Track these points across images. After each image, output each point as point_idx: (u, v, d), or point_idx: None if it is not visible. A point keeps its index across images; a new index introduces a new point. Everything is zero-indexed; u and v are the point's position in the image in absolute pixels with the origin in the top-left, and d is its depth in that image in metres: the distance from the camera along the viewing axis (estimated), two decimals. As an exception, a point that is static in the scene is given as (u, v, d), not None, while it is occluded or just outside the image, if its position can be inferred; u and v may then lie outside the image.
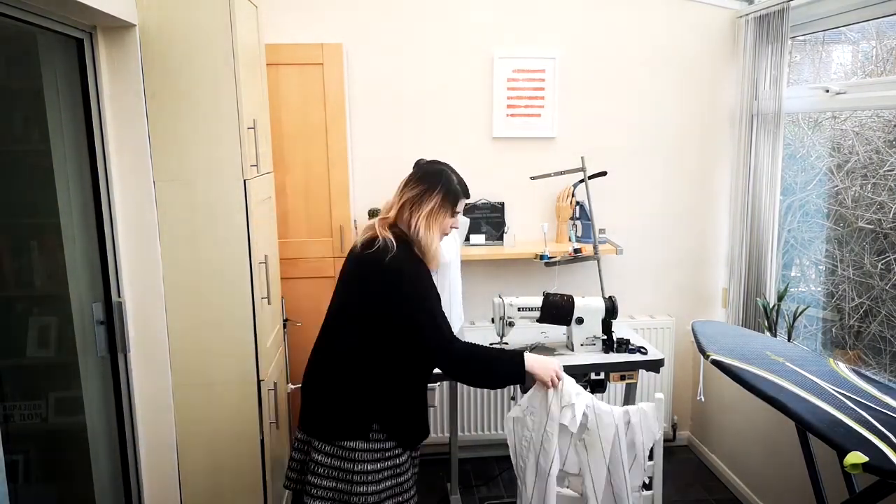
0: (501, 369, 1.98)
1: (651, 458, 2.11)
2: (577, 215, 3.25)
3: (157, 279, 2.25)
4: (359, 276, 1.96)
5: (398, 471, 1.98)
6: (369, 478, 1.90)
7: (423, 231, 1.94)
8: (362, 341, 1.93)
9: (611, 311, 2.64)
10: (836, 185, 2.77)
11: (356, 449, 1.90)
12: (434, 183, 2.00)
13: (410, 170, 2.63)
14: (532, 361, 1.97)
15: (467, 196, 2.09)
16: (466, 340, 2.02)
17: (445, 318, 1.95)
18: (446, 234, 2.07)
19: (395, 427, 1.95)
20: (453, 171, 2.08)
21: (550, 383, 1.97)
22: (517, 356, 1.98)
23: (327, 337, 2.02)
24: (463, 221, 2.73)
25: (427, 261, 1.97)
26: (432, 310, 1.92)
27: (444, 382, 3.03)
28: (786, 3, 2.76)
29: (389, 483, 1.95)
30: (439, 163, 2.09)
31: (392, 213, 1.99)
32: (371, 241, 1.93)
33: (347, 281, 2.01)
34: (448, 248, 2.55)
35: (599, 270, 2.97)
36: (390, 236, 1.91)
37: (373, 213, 3.11)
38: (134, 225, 2.21)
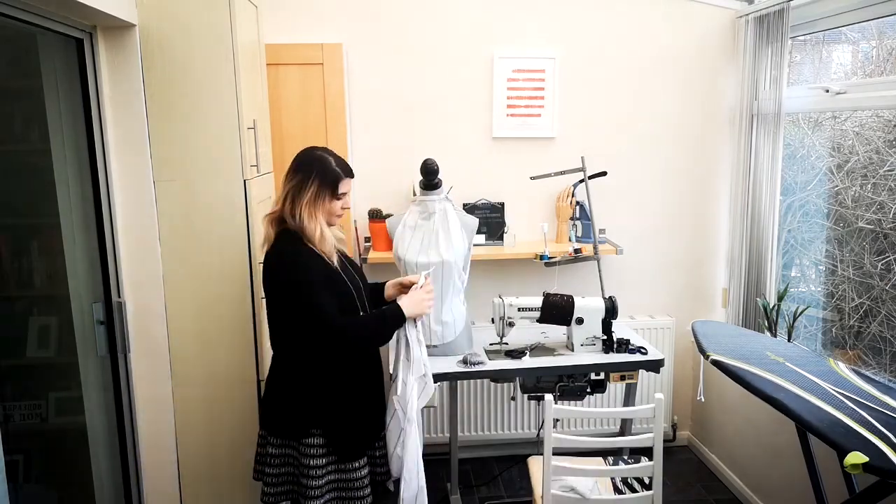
0: (384, 323, 2.05)
1: (651, 458, 2.11)
2: (577, 215, 3.25)
3: (157, 279, 2.25)
4: (264, 276, 2.03)
5: (345, 467, 2.03)
6: (314, 472, 1.97)
7: (307, 220, 1.95)
8: (277, 339, 2.05)
9: (611, 311, 2.64)
10: (836, 185, 2.77)
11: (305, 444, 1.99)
12: (309, 170, 1.98)
13: (410, 169, 2.65)
14: (405, 305, 2.07)
15: (349, 175, 2.06)
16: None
17: (331, 303, 1.95)
18: (339, 217, 2.07)
19: (331, 436, 1.99)
20: (331, 153, 2.05)
21: (426, 311, 2.13)
22: (392, 307, 2.07)
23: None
24: (472, 221, 2.71)
25: (320, 248, 1.97)
26: (310, 294, 1.92)
27: (444, 383, 3.03)
28: (786, 3, 2.76)
29: (333, 477, 2.02)
30: (317, 148, 2.07)
31: (278, 207, 2.00)
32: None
33: None
34: (446, 248, 2.55)
35: (599, 270, 2.97)
36: (271, 231, 1.99)
37: (373, 213, 3.11)
38: (134, 225, 2.21)
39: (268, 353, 2.47)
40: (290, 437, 2.00)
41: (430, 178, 2.60)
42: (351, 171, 2.07)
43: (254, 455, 2.13)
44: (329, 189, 1.99)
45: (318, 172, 1.98)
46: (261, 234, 2.40)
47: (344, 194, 2.04)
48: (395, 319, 2.05)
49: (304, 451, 1.97)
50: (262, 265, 2.01)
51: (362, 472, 2.03)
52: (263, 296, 2.07)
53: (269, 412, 2.07)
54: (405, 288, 2.20)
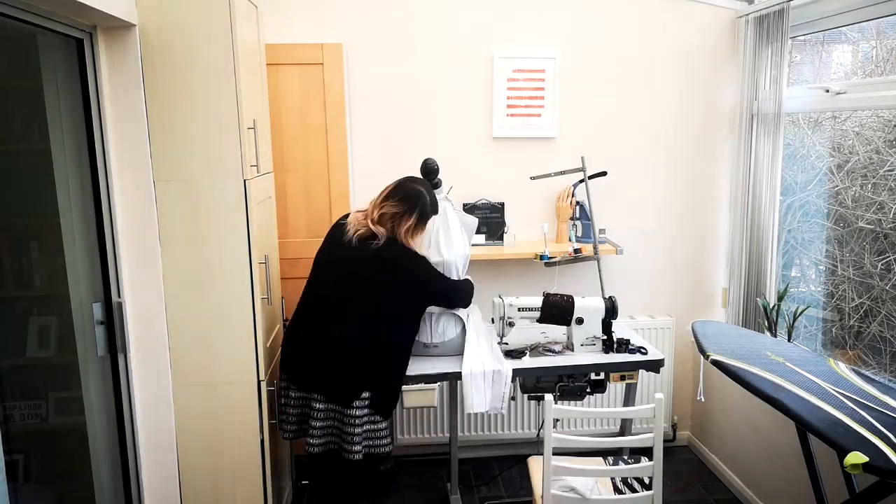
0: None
1: (651, 458, 2.11)
2: (577, 215, 3.25)
3: (157, 279, 2.25)
4: (388, 268, 2.39)
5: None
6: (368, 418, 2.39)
7: (408, 242, 2.41)
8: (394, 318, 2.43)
9: (611, 311, 2.64)
10: (836, 185, 2.77)
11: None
12: (413, 205, 2.41)
13: (410, 169, 2.64)
14: None
15: (436, 213, 2.51)
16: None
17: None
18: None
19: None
20: (429, 190, 2.49)
21: None
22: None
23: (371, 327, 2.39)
24: (471, 221, 2.72)
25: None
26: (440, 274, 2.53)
27: (444, 382, 3.03)
28: (786, 3, 2.76)
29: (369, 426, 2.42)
30: (417, 182, 2.48)
31: (375, 215, 2.42)
32: (372, 236, 2.39)
33: (370, 274, 2.39)
34: (448, 248, 2.55)
35: (599, 270, 2.97)
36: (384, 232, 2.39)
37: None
38: (134, 225, 2.21)
39: (268, 352, 2.47)
40: (344, 400, 2.33)
41: (430, 177, 2.62)
42: (437, 208, 2.55)
43: (254, 455, 2.13)
44: (423, 224, 2.47)
45: (420, 208, 2.44)
46: (261, 233, 2.41)
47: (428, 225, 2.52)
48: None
49: (353, 406, 2.31)
50: (376, 253, 2.35)
51: (385, 425, 2.42)
52: (377, 284, 2.37)
53: (331, 380, 2.33)
54: None
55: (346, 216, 2.53)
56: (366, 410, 2.33)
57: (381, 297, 2.38)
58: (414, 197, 2.41)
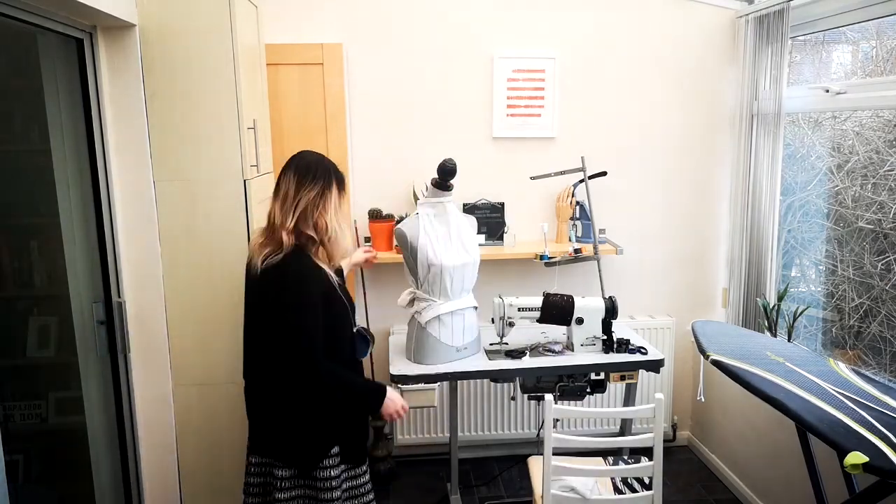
0: (361, 398, 2.01)
1: (651, 458, 2.11)
2: (577, 215, 3.25)
3: (157, 279, 2.25)
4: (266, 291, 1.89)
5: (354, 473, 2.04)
6: (333, 483, 1.94)
7: (338, 229, 1.91)
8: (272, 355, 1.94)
9: (611, 311, 2.64)
10: (836, 185, 2.77)
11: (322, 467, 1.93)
12: (327, 176, 1.92)
13: (410, 169, 2.63)
14: (386, 401, 2.00)
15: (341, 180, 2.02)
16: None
17: (321, 335, 1.87)
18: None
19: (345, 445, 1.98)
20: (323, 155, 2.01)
21: (389, 418, 2.04)
22: (377, 390, 2.00)
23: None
24: (471, 221, 2.69)
25: (337, 259, 1.95)
26: (314, 317, 1.86)
27: (444, 383, 3.03)
28: (786, 3, 2.76)
29: (347, 486, 2.02)
30: (313, 152, 1.99)
31: (290, 223, 1.86)
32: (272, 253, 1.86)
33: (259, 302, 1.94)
34: (450, 250, 2.54)
35: (599, 270, 2.97)
36: (290, 241, 1.86)
37: (373, 214, 3.10)
38: (134, 225, 2.21)
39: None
40: (311, 463, 1.92)
41: (447, 178, 2.49)
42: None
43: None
44: (342, 194, 1.96)
45: (335, 178, 1.93)
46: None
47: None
48: (369, 403, 2.01)
49: (323, 466, 1.93)
50: (263, 275, 1.85)
51: (367, 477, 2.05)
52: (255, 306, 1.95)
53: (286, 441, 1.94)
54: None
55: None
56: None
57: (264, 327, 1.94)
58: (322, 167, 1.93)
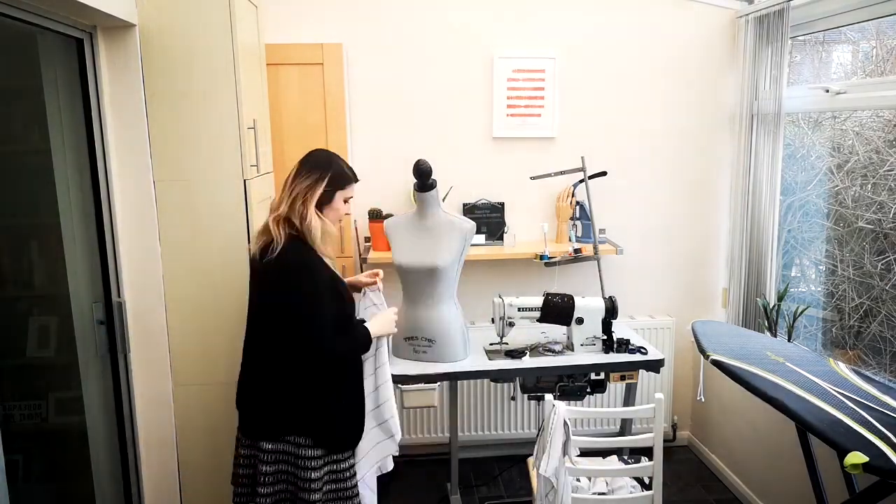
0: (363, 349, 2.08)
1: (651, 458, 2.11)
2: (577, 215, 3.25)
3: (157, 279, 2.25)
4: (266, 282, 1.95)
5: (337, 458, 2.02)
6: (313, 463, 1.96)
7: (315, 220, 1.92)
8: (269, 342, 1.98)
9: (611, 311, 2.64)
10: (836, 185, 2.77)
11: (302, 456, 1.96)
12: (323, 169, 1.96)
13: (410, 169, 2.64)
14: (375, 328, 2.08)
15: (356, 180, 2.08)
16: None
17: (331, 317, 1.94)
18: (339, 221, 2.08)
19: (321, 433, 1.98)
20: (339, 156, 2.07)
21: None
22: (366, 334, 2.06)
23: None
24: (468, 225, 2.63)
25: (323, 250, 1.96)
26: (321, 306, 1.91)
27: (444, 382, 3.02)
28: (786, 3, 2.76)
29: (328, 469, 2.01)
30: (325, 150, 2.06)
31: (285, 208, 1.92)
32: (268, 245, 1.90)
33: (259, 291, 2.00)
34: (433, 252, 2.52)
35: (599, 270, 2.97)
36: (280, 234, 1.89)
37: (373, 213, 3.10)
38: (134, 225, 2.21)
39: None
40: (285, 435, 1.96)
41: (423, 180, 2.49)
42: (356, 176, 2.08)
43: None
44: (340, 190, 2.00)
45: (332, 173, 1.97)
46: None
47: (350, 198, 2.06)
48: (369, 342, 2.07)
49: (301, 444, 1.96)
50: (264, 267, 1.89)
51: (350, 462, 2.05)
52: (252, 295, 2.02)
53: (263, 416, 1.99)
54: (356, 289, 2.23)
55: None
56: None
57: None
58: (322, 161, 2.00)
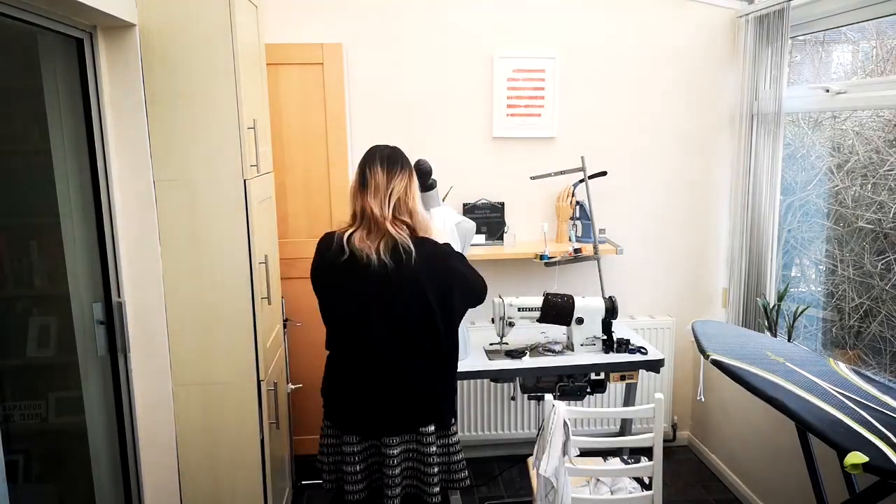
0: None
1: (651, 458, 2.11)
2: (577, 215, 3.25)
3: (157, 279, 2.25)
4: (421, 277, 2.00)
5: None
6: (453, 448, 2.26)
7: (424, 212, 2.07)
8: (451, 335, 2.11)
9: (611, 311, 2.64)
10: (836, 185, 2.77)
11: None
12: (405, 161, 2.09)
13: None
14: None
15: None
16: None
17: None
18: None
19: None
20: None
21: None
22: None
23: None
24: (469, 227, 2.64)
25: (431, 236, 2.07)
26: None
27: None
28: (786, 3, 2.76)
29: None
30: (388, 146, 2.15)
31: (387, 211, 1.98)
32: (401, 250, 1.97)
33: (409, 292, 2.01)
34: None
35: (599, 270, 2.97)
36: (408, 240, 1.98)
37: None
38: (134, 225, 2.21)
39: (268, 353, 2.47)
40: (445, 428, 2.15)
41: (423, 179, 2.47)
42: None
43: (254, 455, 2.12)
44: (418, 181, 2.14)
45: (411, 167, 2.11)
46: (261, 233, 2.41)
47: None
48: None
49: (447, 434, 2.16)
50: (415, 265, 1.95)
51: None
52: (431, 301, 2.01)
53: (437, 409, 2.11)
54: None
55: (330, 242, 2.05)
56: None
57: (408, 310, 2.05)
58: (402, 157, 2.09)
